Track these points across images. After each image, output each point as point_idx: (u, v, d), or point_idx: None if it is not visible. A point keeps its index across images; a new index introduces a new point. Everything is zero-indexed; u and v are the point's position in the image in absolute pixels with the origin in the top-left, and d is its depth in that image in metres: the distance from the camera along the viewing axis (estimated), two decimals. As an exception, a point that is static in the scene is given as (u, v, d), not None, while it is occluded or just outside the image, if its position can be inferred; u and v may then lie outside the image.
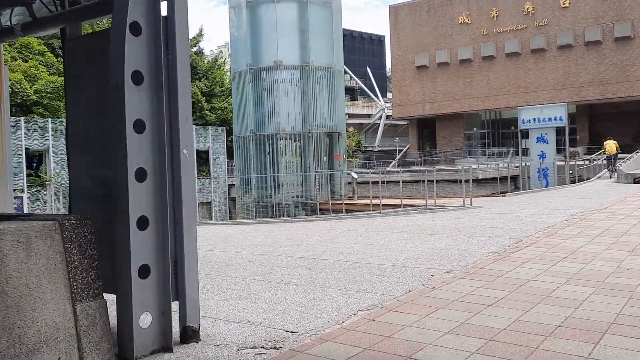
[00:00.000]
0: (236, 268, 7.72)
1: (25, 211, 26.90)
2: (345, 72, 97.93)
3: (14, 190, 27.68)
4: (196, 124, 40.10)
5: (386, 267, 7.38)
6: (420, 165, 49.41)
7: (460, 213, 14.10)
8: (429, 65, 56.67)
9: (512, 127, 48.83)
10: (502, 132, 57.56)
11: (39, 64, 32.66)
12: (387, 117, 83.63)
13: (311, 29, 23.02)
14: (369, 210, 17.45)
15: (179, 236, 4.32)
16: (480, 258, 7.83)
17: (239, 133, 24.33)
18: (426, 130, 62.60)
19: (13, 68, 30.37)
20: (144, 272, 4.04)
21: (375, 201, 18.58)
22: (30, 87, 29.63)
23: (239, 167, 24.77)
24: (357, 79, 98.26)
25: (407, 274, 6.94)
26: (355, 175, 22.17)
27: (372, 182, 19.91)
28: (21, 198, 27.55)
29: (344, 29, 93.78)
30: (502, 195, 19.61)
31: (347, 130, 76.17)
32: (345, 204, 19.15)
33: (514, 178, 32.12)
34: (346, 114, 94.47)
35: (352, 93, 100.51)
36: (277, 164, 22.99)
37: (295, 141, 23.33)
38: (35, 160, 31.02)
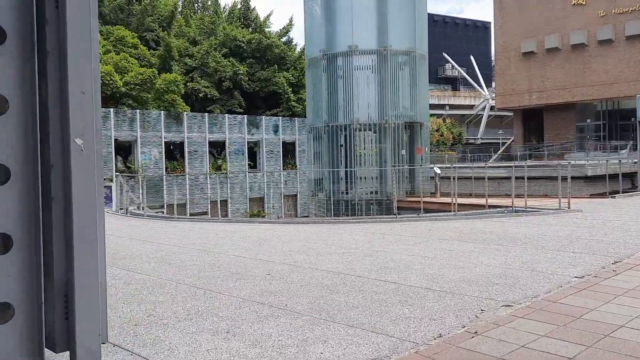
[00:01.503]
0: (246, 284, 6.42)
1: (114, 200, 27.56)
2: (447, 61, 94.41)
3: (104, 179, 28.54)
4: (283, 115, 39.60)
5: (427, 293, 5.75)
6: (523, 160, 45.65)
7: (552, 218, 11.89)
8: (537, 51, 52.23)
9: (632, 119, 43.65)
10: (621, 124, 51.90)
11: (130, 56, 33.51)
12: (492, 108, 79.12)
13: (390, 9, 21.14)
14: (450, 211, 15.52)
15: (70, 260, 3.01)
16: (559, 285, 5.97)
17: (312, 124, 23.03)
18: (532, 121, 58.00)
19: (105, 61, 31.31)
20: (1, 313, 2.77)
21: (457, 200, 16.61)
22: (120, 79, 30.37)
23: (311, 160, 23.55)
24: (459, 68, 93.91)
25: (451, 305, 5.28)
26: (438, 171, 20.05)
27: (458, 178, 17.85)
28: (110, 187, 28.31)
29: (445, 17, 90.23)
30: (612, 197, 16.81)
31: (445, 121, 72.92)
32: (424, 202, 17.29)
33: (631, 176, 28.26)
34: (447, 104, 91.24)
35: (453, 83, 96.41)
36: (351, 157, 21.44)
37: (372, 132, 21.65)
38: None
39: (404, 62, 22.00)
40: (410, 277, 6.50)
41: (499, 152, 57.62)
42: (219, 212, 18.47)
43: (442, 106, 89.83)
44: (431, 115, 74.65)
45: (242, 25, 43.70)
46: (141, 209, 16.43)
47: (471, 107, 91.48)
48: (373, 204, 20.58)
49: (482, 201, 15.98)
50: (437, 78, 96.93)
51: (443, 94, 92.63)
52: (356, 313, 5.06)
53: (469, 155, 55.51)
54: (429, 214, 14.00)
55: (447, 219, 12.05)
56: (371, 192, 21.20)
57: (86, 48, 3.17)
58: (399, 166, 21.11)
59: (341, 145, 21.77)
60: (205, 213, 33.21)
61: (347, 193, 21.34)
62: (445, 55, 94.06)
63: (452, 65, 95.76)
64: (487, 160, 52.52)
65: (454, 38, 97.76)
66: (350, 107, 21.52)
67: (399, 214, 19.93)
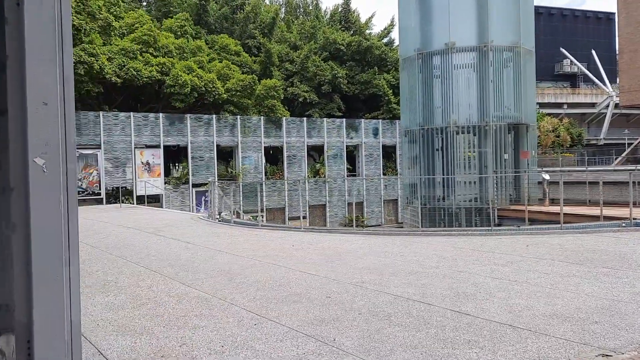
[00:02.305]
0: (300, 308, 5.80)
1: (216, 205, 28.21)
2: (565, 57, 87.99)
3: (204, 185, 29.34)
4: (383, 118, 38.68)
5: (506, 331, 4.80)
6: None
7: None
8: (669, 41, 46.90)
9: None
10: None
11: (233, 63, 34.29)
12: (616, 105, 72.68)
13: (492, 2, 19.47)
14: (557, 222, 13.95)
15: (30, 298, 2.55)
16: (681, 329, 4.75)
17: (407, 127, 21.87)
18: (664, 120, 52.26)
19: (209, 69, 32.27)
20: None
21: (567, 209, 14.93)
22: (222, 86, 31.11)
23: (406, 165, 22.41)
24: (578, 64, 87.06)
25: (532, 350, 4.32)
26: (547, 177, 18.09)
27: (572, 184, 16.05)
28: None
29: (563, 9, 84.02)
30: None
31: (562, 121, 67.80)
32: (530, 211, 15.67)
33: None
34: (564, 103, 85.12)
35: (572, 79, 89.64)
36: (447, 162, 20.03)
37: (472, 134, 20.04)
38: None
39: (507, 59, 20.28)
40: (490, 308, 5.53)
41: (624, 154, 52.50)
42: (302, 218, 17.95)
43: (559, 105, 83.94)
44: (547, 114, 70.00)
45: (342, 28, 43.42)
46: (232, 215, 16.41)
47: (592, 105, 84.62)
48: (472, 213, 19.11)
49: (597, 211, 14.16)
50: (554, 75, 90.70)
51: (560, 92, 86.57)
52: (411, 355, 4.26)
53: (587, 157, 51.00)
54: (530, 227, 12.57)
55: (551, 233, 10.65)
56: (470, 200, 19.70)
57: (51, 52, 2.64)
58: (500, 172, 19.47)
59: (437, 149, 20.48)
60: (304, 217, 33.19)
61: (444, 200, 20.01)
62: (563, 50, 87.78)
63: (571, 61, 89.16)
64: (610, 163, 48.25)
65: (572, 32, 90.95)
66: (448, 109, 20.18)
67: (500, 224, 18.43)
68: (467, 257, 8.70)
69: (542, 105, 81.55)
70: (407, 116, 21.87)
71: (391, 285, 6.77)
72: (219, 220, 16.02)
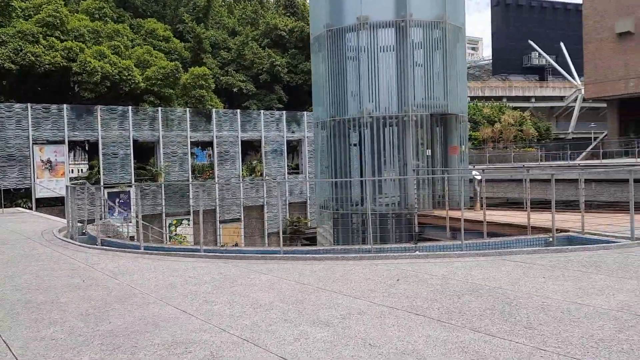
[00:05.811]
0: None
1: (132, 207, 25.21)
2: (533, 49, 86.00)
3: (120, 184, 26.29)
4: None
5: None
6: (619, 157, 39.11)
7: (610, 256, 7.49)
8: (635, 31, 45.01)
9: None
10: None
11: (159, 50, 31.09)
12: (584, 99, 71.12)
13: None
14: (481, 232, 11.42)
15: None
16: None
17: (318, 118, 18.92)
18: (631, 113, 50.41)
19: (128, 55, 29.05)
20: None
21: (496, 216, 12.37)
22: (140, 75, 27.89)
23: (317, 163, 19.55)
24: (547, 56, 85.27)
25: None
26: (477, 176, 15.29)
27: (509, 182, 13.41)
28: (128, 193, 25.97)
29: (532, 0, 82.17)
30: None
31: (531, 115, 65.65)
32: (453, 218, 13.05)
33: None
34: (533, 96, 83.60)
35: (541, 72, 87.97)
36: (361, 159, 17.19)
37: (391, 126, 17.16)
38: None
39: (431, 37, 17.34)
40: None
41: (589, 148, 50.61)
42: (201, 224, 15.03)
43: (527, 98, 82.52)
44: (515, 108, 67.91)
45: (287, 14, 40.31)
46: (79, 225, 13.10)
47: (561, 98, 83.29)
48: (391, 221, 16.28)
49: (539, 218, 11.32)
50: (523, 68, 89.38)
51: (528, 85, 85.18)
52: None
53: (542, 153, 48.88)
54: (429, 245, 9.91)
55: (447, 256, 7.92)
56: (388, 205, 16.87)
57: None
58: (421, 170, 16.71)
59: (353, 144, 17.57)
60: (238, 220, 30.28)
61: (361, 205, 17.11)
62: (531, 42, 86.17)
63: (539, 54, 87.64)
64: (576, 158, 46.37)
65: (540, 23, 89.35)
66: (363, 96, 17.25)
67: (421, 233, 15.75)
68: (258, 306, 5.92)
69: (510, 98, 79.73)
70: (318, 105, 18.93)
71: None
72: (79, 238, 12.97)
